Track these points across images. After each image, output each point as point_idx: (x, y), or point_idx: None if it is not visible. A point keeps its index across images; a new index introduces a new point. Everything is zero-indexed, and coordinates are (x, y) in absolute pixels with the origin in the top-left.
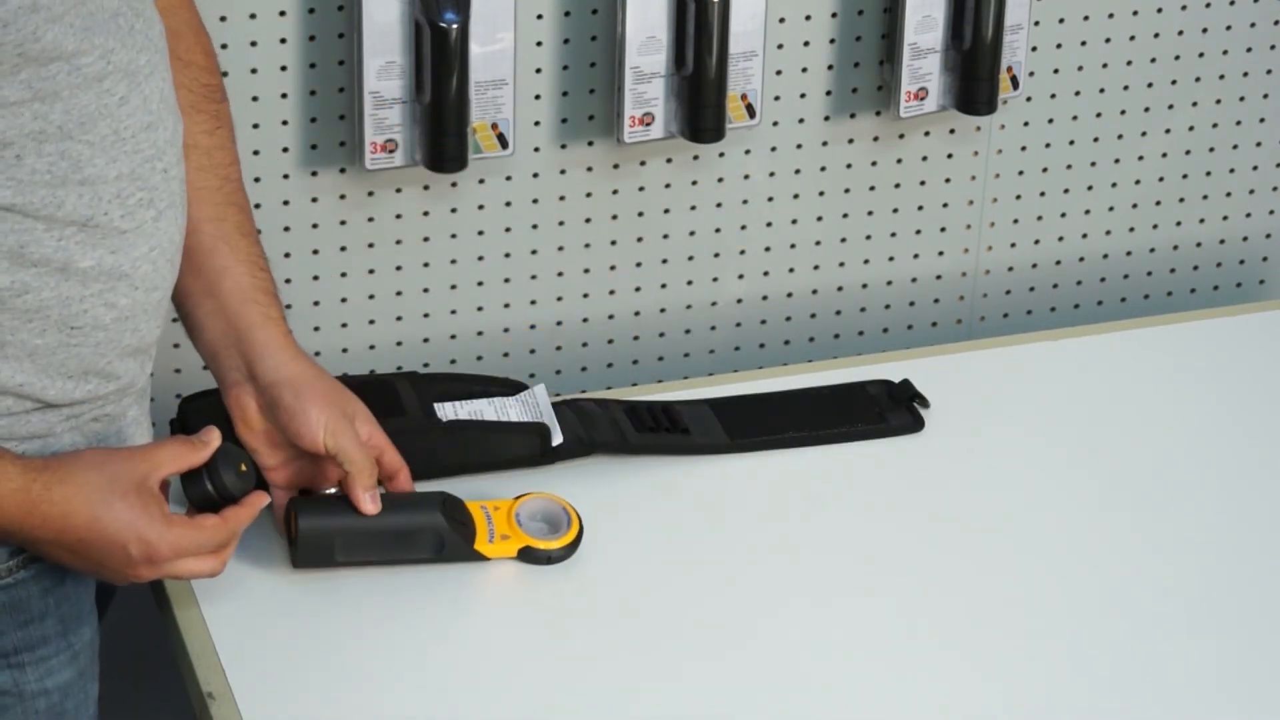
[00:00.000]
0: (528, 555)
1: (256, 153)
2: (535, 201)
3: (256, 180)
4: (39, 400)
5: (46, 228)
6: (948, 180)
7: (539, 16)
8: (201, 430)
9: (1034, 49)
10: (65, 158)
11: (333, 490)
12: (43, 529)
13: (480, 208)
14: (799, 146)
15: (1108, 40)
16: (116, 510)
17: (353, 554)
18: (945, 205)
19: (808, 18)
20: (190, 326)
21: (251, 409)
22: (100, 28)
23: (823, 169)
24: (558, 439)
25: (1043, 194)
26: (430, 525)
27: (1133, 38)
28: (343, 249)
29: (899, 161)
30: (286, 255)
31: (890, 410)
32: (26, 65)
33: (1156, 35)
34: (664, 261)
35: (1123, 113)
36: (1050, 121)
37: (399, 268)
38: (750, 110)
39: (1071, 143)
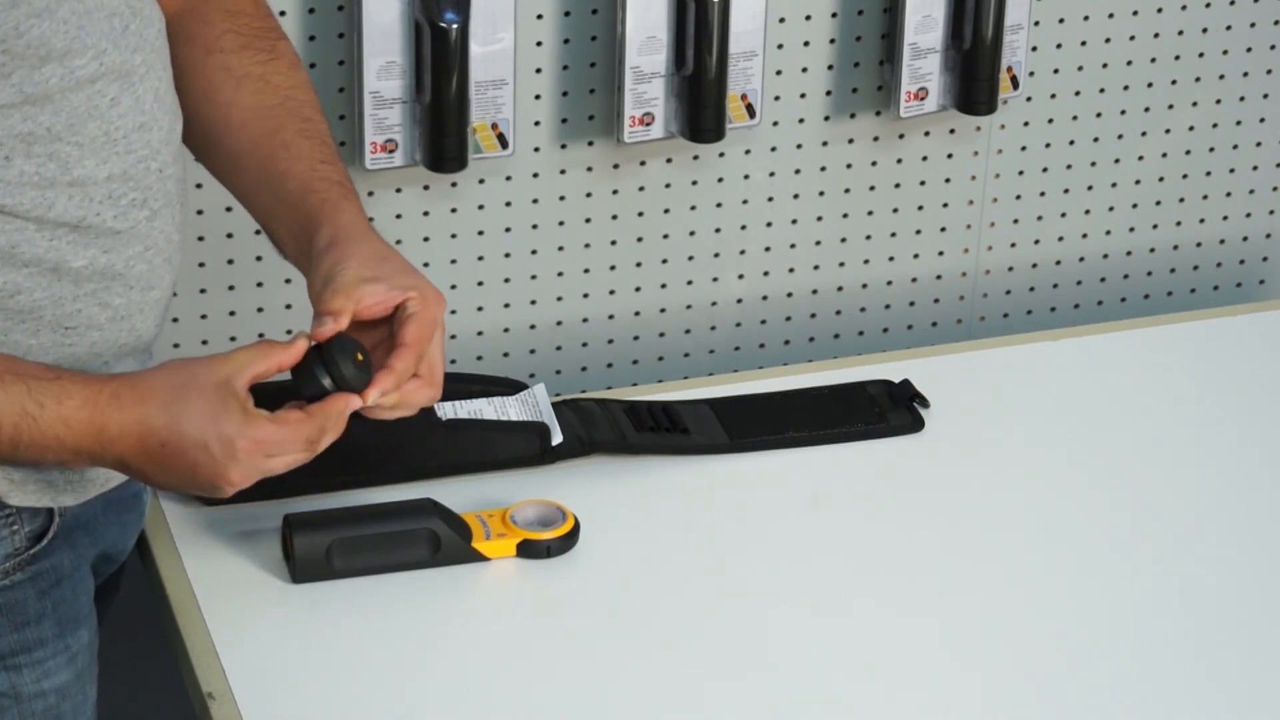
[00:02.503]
0: (526, 549)
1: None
2: (535, 201)
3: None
4: None
5: (37, 228)
6: (948, 180)
7: (539, 16)
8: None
9: (1034, 49)
10: (54, 159)
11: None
12: (122, 440)
13: (480, 208)
14: (799, 146)
15: (1108, 40)
16: (194, 407)
17: (351, 563)
18: (945, 205)
19: (808, 18)
20: (277, 245)
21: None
22: (93, 27)
23: (823, 169)
24: (557, 438)
25: (1043, 194)
26: (426, 526)
27: (1133, 38)
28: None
29: (899, 161)
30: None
31: (890, 410)
32: (17, 67)
33: (1156, 35)
34: (664, 261)
35: (1123, 113)
36: (1050, 121)
37: None
38: (750, 110)
39: (1071, 143)
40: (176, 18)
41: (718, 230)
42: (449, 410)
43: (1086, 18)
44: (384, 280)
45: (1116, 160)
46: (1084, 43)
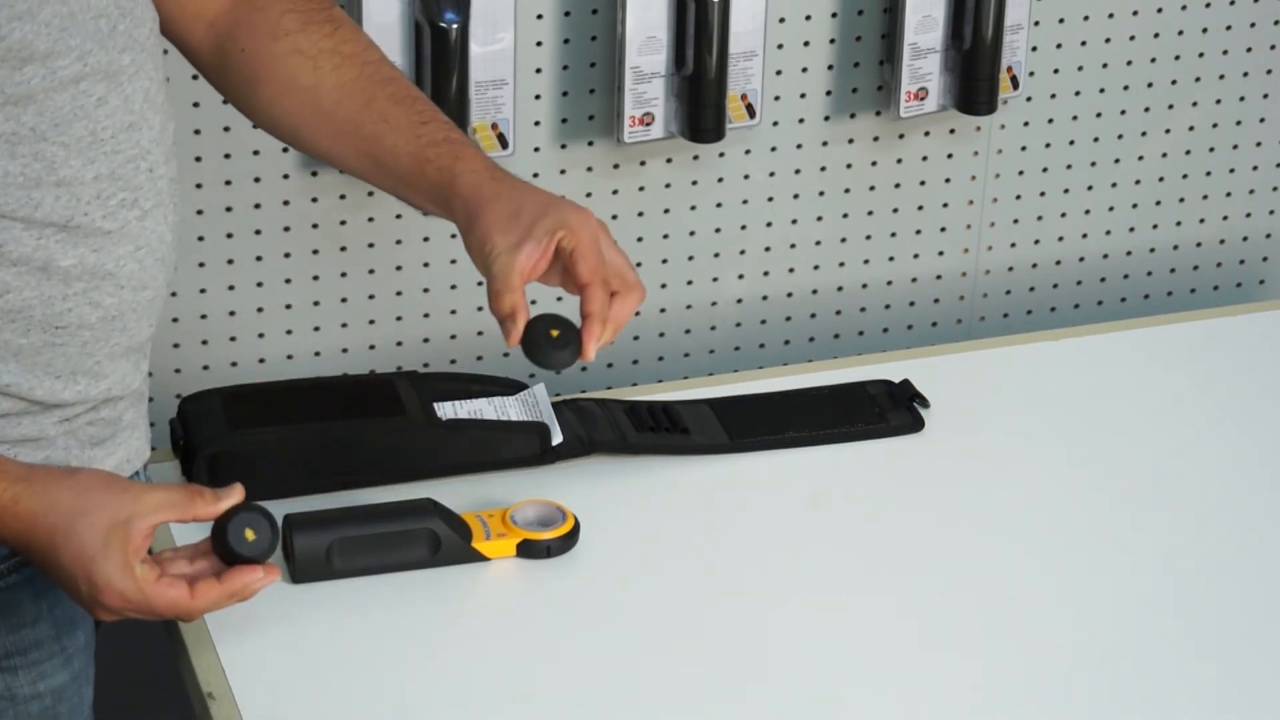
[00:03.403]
0: (526, 549)
1: (256, 153)
2: None
3: (256, 180)
4: (27, 400)
5: (25, 227)
6: (948, 180)
7: (539, 16)
8: (224, 487)
9: (1034, 49)
10: (39, 159)
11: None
12: (10, 536)
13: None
14: (799, 146)
15: (1108, 40)
16: (78, 539)
17: (351, 563)
18: (945, 205)
19: (808, 18)
20: (419, 208)
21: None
22: (78, 29)
23: (823, 169)
24: (557, 438)
25: (1043, 194)
26: (426, 526)
27: (1133, 38)
28: (343, 249)
29: (899, 161)
30: (287, 255)
31: (890, 410)
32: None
33: (1156, 35)
34: (664, 261)
35: (1123, 113)
36: (1050, 121)
37: (399, 268)
38: (750, 110)
39: (1071, 143)
40: (229, 11)
41: (718, 230)
42: (449, 410)
43: (1086, 18)
44: (530, 236)
45: (1116, 160)
46: (1084, 43)
